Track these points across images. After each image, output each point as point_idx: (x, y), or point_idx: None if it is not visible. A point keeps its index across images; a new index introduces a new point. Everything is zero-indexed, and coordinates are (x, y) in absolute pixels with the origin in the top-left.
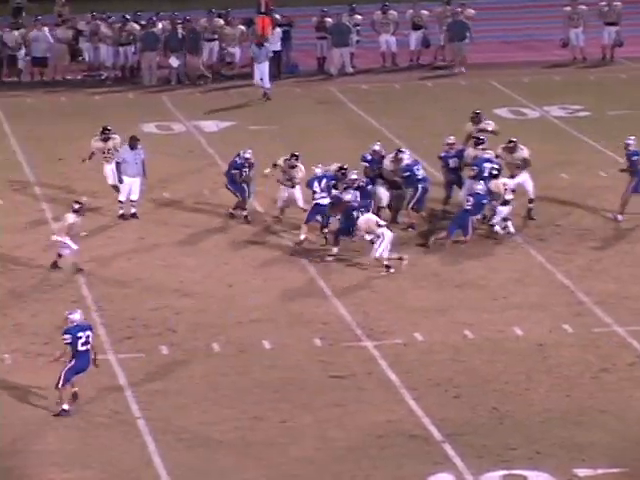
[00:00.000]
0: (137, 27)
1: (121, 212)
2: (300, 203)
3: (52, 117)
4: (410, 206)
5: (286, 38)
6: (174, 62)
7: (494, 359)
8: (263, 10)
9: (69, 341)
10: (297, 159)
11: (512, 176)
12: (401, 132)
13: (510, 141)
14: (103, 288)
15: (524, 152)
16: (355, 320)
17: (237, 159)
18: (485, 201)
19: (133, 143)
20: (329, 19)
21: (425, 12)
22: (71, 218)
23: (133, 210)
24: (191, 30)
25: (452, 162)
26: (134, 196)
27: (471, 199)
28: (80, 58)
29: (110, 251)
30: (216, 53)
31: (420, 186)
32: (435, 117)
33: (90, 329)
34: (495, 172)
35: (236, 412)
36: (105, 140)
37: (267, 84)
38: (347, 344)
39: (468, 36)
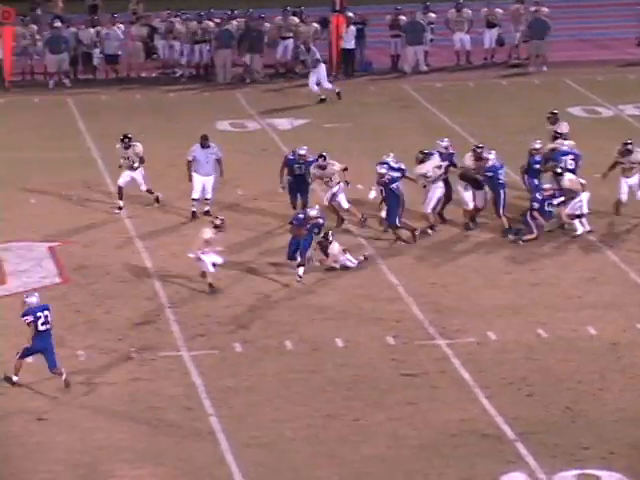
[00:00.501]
0: (212, 24)
1: (193, 210)
2: (344, 204)
3: (127, 114)
4: (501, 212)
5: (360, 36)
6: (249, 60)
7: (568, 358)
8: (337, 8)
9: (31, 321)
10: (325, 159)
11: (626, 177)
12: (475, 130)
13: (626, 143)
14: (176, 285)
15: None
16: (428, 318)
17: (290, 155)
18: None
19: (204, 142)
20: (403, 17)
21: (499, 10)
22: (209, 233)
23: (206, 208)
24: (254, 28)
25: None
26: (208, 194)
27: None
28: (155, 56)
29: (183, 249)
30: (290, 51)
31: (501, 190)
32: (509, 116)
33: (48, 309)
34: (571, 166)
35: (308, 410)
36: (126, 148)
37: (328, 85)
38: (420, 342)
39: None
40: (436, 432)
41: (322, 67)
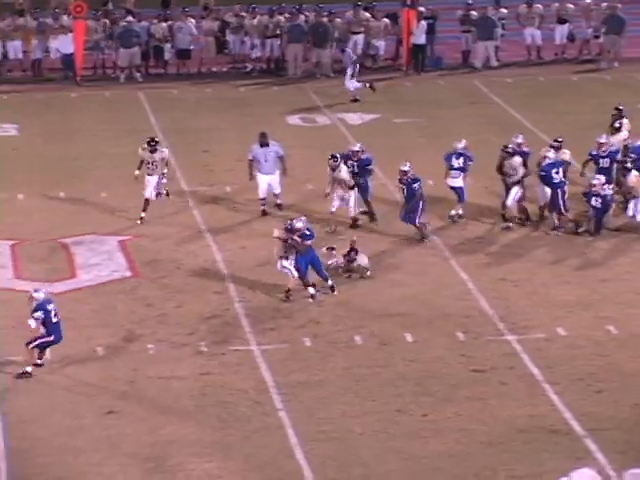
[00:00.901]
0: (283, 19)
1: (262, 209)
2: (351, 211)
3: (197, 109)
4: (559, 210)
5: (431, 31)
6: (316, 55)
7: (638, 355)
8: (408, 3)
9: (42, 316)
10: (336, 159)
11: None
12: (546, 126)
13: None
14: (246, 279)
15: None
16: (497, 314)
17: (346, 152)
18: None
19: (262, 140)
20: (474, 12)
21: (571, 6)
22: (276, 232)
23: (278, 201)
24: (319, 23)
25: (603, 162)
26: (276, 190)
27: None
28: (226, 50)
29: (253, 243)
30: (361, 46)
31: (558, 190)
32: (580, 111)
33: (53, 302)
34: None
35: (378, 405)
36: (152, 152)
37: (350, 85)
38: (489, 338)
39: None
40: (505, 428)
41: (355, 68)
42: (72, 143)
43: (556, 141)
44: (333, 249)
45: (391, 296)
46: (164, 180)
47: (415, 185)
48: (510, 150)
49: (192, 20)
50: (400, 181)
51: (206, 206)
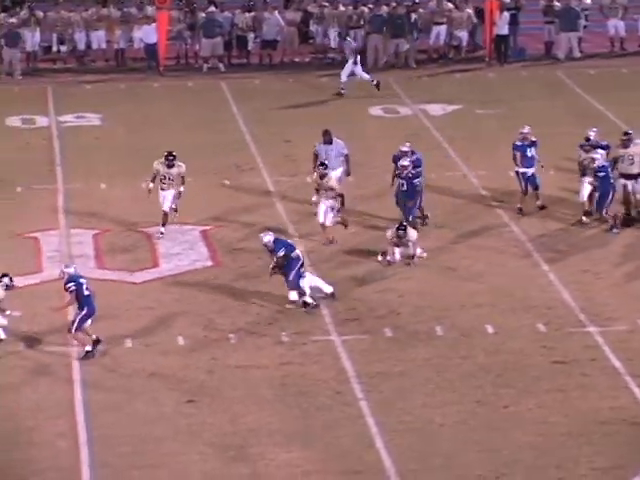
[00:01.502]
0: (366, 10)
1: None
2: (328, 221)
3: (279, 99)
4: (604, 211)
5: (513, 22)
6: (393, 46)
7: None
8: None
9: (74, 288)
10: (326, 167)
11: None
12: (629, 118)
13: None
14: (328, 270)
15: None
16: (579, 305)
17: (396, 152)
18: None
19: (324, 137)
20: (557, 3)
21: None
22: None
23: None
24: (396, 14)
25: None
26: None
27: None
28: (310, 41)
29: (337, 232)
30: (444, 36)
31: (611, 191)
32: None
33: (83, 277)
34: None
35: (458, 396)
36: (169, 166)
37: (345, 78)
38: (571, 330)
39: None
40: (586, 420)
41: (355, 59)
42: (154, 133)
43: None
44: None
45: (472, 287)
46: (177, 200)
47: (416, 181)
48: (591, 143)
49: (276, 11)
50: (399, 176)
51: (288, 196)
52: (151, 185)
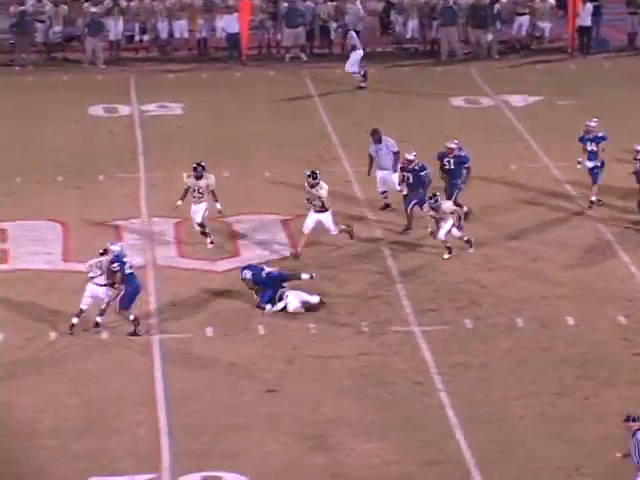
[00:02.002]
0: (442, 1)
1: (384, 202)
2: (332, 231)
3: (360, 90)
4: None
5: (596, 13)
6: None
7: None
8: None
9: (118, 268)
10: (315, 177)
11: None
12: None
13: None
14: (408, 260)
15: None
16: None
17: (443, 149)
18: None
19: (374, 137)
20: None
21: None
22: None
23: (386, 201)
24: (479, 5)
25: None
26: (382, 188)
27: None
28: (391, 30)
29: (416, 224)
30: (526, 27)
31: None
32: None
33: (127, 256)
34: None
35: (538, 387)
36: (198, 178)
37: (351, 69)
38: None
39: None
40: None
41: (358, 53)
42: (236, 122)
43: None
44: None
45: (553, 279)
46: (207, 212)
47: (422, 173)
48: None
49: (357, 1)
50: (404, 169)
51: (370, 187)
52: (179, 202)
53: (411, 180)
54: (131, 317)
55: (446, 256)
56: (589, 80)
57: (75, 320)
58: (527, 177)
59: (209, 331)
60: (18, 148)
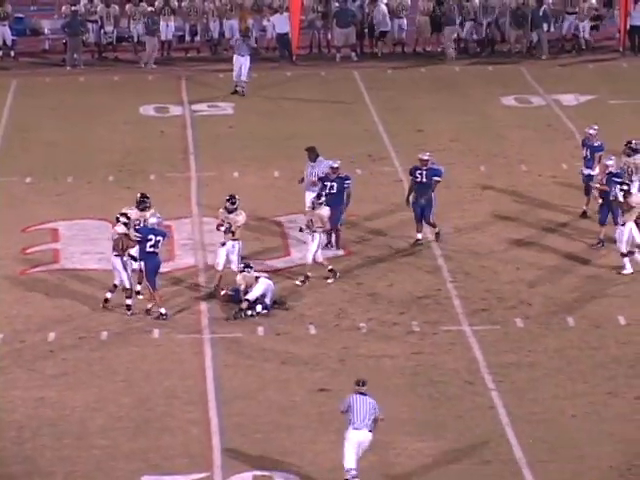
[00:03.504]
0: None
1: None
2: (234, 264)
3: (411, 89)
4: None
5: None
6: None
7: None
8: None
9: (138, 239)
10: (233, 201)
11: None
12: None
13: None
14: (459, 260)
15: None
16: None
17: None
18: None
19: (311, 155)
20: None
21: None
22: None
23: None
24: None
25: None
26: None
27: None
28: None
29: (465, 223)
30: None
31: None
32: None
33: (163, 236)
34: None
35: (589, 387)
36: (230, 212)
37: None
38: None
39: None
40: None
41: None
42: (286, 122)
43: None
44: None
45: (604, 278)
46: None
47: (435, 178)
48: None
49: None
50: (417, 169)
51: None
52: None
53: (424, 178)
54: (156, 295)
55: (330, 281)
56: None
57: (109, 295)
58: (578, 177)
59: (260, 330)
60: (70, 148)
